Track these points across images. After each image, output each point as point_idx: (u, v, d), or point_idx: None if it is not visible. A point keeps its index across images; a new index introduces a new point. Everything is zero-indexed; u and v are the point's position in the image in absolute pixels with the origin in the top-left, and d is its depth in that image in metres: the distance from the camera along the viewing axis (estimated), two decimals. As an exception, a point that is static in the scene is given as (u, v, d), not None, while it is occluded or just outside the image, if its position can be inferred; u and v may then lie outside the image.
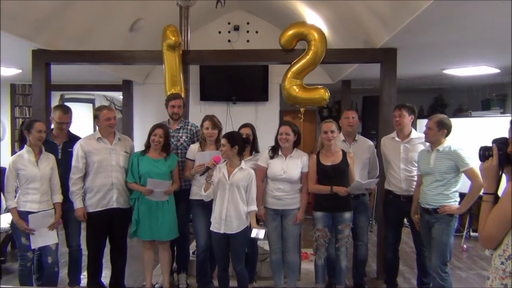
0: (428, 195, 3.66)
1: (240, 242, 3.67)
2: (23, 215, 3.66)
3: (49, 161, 3.81)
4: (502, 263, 1.88)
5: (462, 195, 3.64)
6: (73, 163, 3.94)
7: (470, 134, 5.66)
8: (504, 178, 1.96)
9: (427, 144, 3.93)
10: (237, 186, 3.59)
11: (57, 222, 3.82)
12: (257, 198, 3.77)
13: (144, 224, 3.93)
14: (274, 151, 3.91)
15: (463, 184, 3.65)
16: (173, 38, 4.60)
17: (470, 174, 3.51)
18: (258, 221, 4.20)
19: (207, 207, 3.76)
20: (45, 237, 3.73)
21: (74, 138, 4.19)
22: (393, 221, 4.20)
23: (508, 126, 1.95)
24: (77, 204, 3.91)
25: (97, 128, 4.14)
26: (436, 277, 3.58)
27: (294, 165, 3.86)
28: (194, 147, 4.09)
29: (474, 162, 3.41)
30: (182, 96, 4.59)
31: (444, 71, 6.41)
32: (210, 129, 3.96)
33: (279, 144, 3.89)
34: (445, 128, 3.65)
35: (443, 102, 9.00)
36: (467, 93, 8.12)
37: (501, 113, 7.15)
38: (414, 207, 3.90)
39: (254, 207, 3.66)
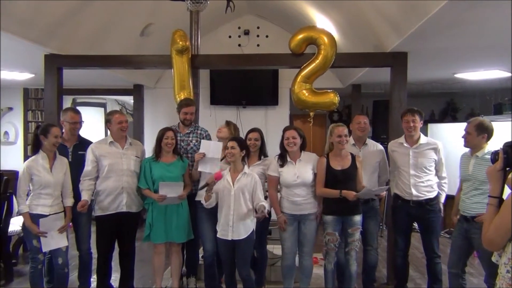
0: (466, 202, 3.55)
1: (246, 248, 3.67)
2: (34, 218, 3.69)
3: (62, 167, 3.83)
4: (508, 271, 1.89)
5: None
6: (85, 167, 3.98)
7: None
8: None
9: (438, 149, 3.90)
10: (242, 191, 3.58)
11: (66, 225, 3.83)
12: (274, 206, 3.86)
13: (158, 227, 3.94)
14: (282, 158, 3.88)
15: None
16: (181, 43, 4.63)
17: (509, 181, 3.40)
18: (267, 229, 4.23)
19: (212, 210, 3.76)
20: (56, 240, 3.75)
21: (84, 141, 4.23)
22: (403, 226, 4.16)
23: None
24: (84, 196, 3.89)
25: (109, 132, 4.17)
26: None
27: (306, 168, 3.84)
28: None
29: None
30: (192, 98, 4.63)
31: (456, 75, 6.36)
32: (223, 133, 4.05)
33: (285, 149, 3.87)
34: (486, 133, 3.48)
35: (455, 107, 8.94)
36: (479, 97, 8.06)
37: (514, 117, 7.07)
38: (454, 210, 3.80)
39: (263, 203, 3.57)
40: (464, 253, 3.66)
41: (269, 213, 3.97)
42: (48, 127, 3.76)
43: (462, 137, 3.60)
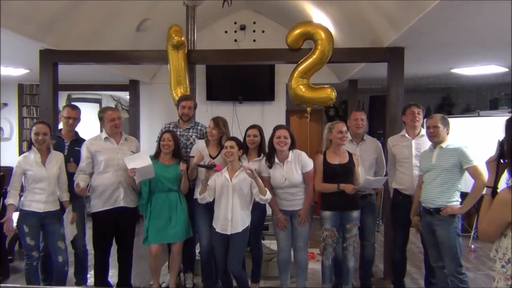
0: (430, 193, 3.58)
1: (240, 242, 3.69)
2: (29, 216, 3.69)
3: (57, 160, 3.83)
4: (502, 266, 1.92)
5: (464, 195, 3.57)
6: (80, 163, 3.98)
7: (478, 134, 5.62)
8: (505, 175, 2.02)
9: None
10: (240, 186, 3.61)
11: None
12: (272, 207, 3.87)
13: (155, 228, 3.91)
14: (270, 159, 3.83)
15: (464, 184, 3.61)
16: (176, 38, 4.61)
17: (473, 172, 3.43)
18: (264, 224, 4.22)
19: (208, 206, 3.76)
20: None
21: (81, 140, 4.24)
22: (402, 222, 4.14)
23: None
24: (81, 184, 3.88)
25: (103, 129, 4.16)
26: (455, 281, 3.51)
27: (294, 169, 3.80)
28: (200, 143, 4.12)
29: (479, 161, 3.35)
30: (190, 94, 4.62)
31: (452, 70, 6.36)
32: (210, 128, 3.98)
33: (273, 148, 3.81)
34: (448, 126, 3.64)
35: (451, 102, 8.96)
36: (475, 92, 8.07)
37: (509, 112, 7.06)
38: (415, 208, 3.84)
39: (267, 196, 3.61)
40: (438, 246, 3.66)
41: (265, 209, 3.99)
42: (33, 126, 3.81)
43: (431, 131, 3.65)
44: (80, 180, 3.90)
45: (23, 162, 3.72)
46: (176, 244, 4.03)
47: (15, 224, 3.81)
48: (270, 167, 3.83)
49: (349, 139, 4.17)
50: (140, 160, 3.79)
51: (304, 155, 3.87)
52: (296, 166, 3.81)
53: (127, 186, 3.99)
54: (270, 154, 3.85)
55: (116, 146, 4.03)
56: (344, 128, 3.86)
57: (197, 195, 3.81)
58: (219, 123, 4.00)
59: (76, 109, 4.27)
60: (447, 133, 3.64)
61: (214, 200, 3.71)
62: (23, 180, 3.77)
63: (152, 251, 3.99)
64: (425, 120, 3.88)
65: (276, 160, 3.82)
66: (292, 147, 3.86)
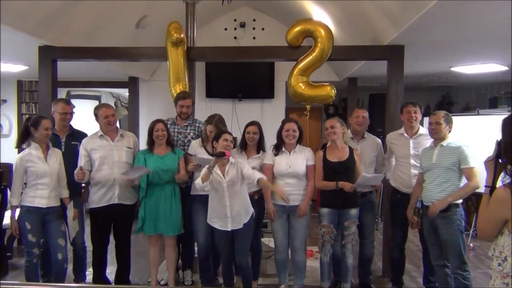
0: (432, 192, 3.57)
1: (246, 235, 3.67)
2: (31, 212, 3.69)
3: (57, 157, 3.83)
4: (499, 264, 1.93)
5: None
6: (78, 162, 3.98)
7: (477, 132, 5.61)
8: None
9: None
10: (234, 181, 3.58)
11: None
12: (266, 195, 3.88)
13: (149, 219, 3.93)
14: (278, 148, 3.91)
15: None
16: (175, 35, 4.60)
17: (468, 173, 3.43)
18: (262, 222, 4.22)
19: (206, 203, 3.74)
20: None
21: (77, 132, 4.24)
22: (401, 220, 4.12)
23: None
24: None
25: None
26: (458, 277, 3.51)
27: (299, 159, 3.86)
28: (196, 143, 4.10)
29: (478, 162, 3.35)
30: (188, 91, 4.61)
31: (452, 69, 6.36)
32: (214, 133, 3.91)
33: (282, 140, 3.88)
34: (451, 123, 3.63)
35: (451, 100, 8.96)
36: (475, 91, 8.07)
37: (509, 111, 7.07)
38: (411, 204, 3.83)
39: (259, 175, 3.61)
40: (441, 244, 3.65)
41: (264, 206, 3.98)
42: (39, 119, 3.76)
43: (432, 128, 3.64)
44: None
45: (25, 159, 3.70)
46: (170, 237, 4.04)
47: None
48: (276, 154, 3.88)
49: (349, 137, 4.18)
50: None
51: (309, 150, 3.94)
52: (302, 157, 3.87)
53: (123, 183, 3.97)
54: (278, 145, 3.92)
55: (112, 143, 4.04)
56: (335, 124, 3.87)
57: (198, 181, 3.63)
58: (220, 128, 3.99)
59: (70, 103, 4.27)
60: (449, 131, 3.63)
61: (208, 196, 3.69)
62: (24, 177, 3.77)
63: (151, 241, 4.04)
64: (428, 116, 3.87)
65: (283, 149, 3.89)
66: (300, 140, 3.91)
